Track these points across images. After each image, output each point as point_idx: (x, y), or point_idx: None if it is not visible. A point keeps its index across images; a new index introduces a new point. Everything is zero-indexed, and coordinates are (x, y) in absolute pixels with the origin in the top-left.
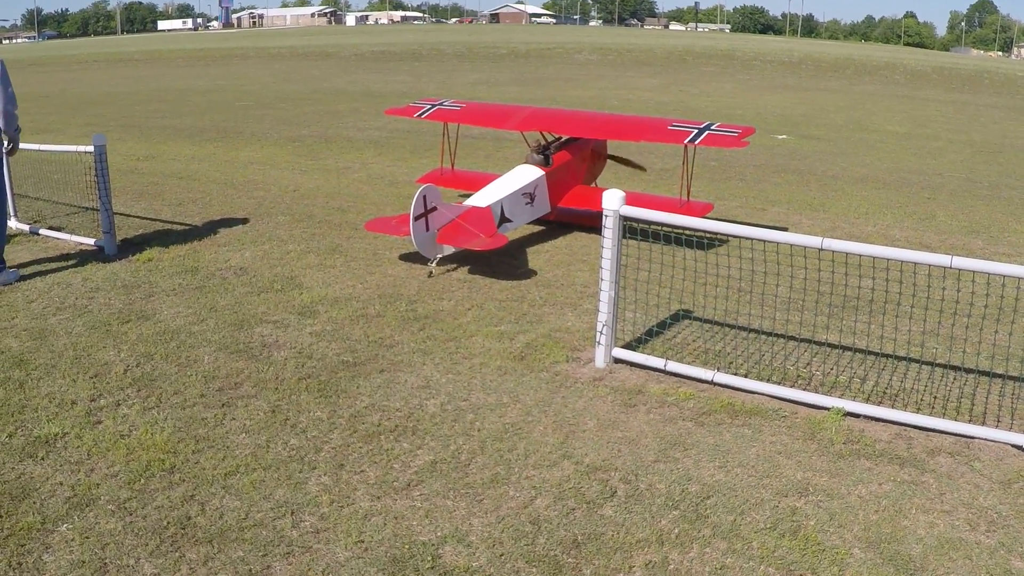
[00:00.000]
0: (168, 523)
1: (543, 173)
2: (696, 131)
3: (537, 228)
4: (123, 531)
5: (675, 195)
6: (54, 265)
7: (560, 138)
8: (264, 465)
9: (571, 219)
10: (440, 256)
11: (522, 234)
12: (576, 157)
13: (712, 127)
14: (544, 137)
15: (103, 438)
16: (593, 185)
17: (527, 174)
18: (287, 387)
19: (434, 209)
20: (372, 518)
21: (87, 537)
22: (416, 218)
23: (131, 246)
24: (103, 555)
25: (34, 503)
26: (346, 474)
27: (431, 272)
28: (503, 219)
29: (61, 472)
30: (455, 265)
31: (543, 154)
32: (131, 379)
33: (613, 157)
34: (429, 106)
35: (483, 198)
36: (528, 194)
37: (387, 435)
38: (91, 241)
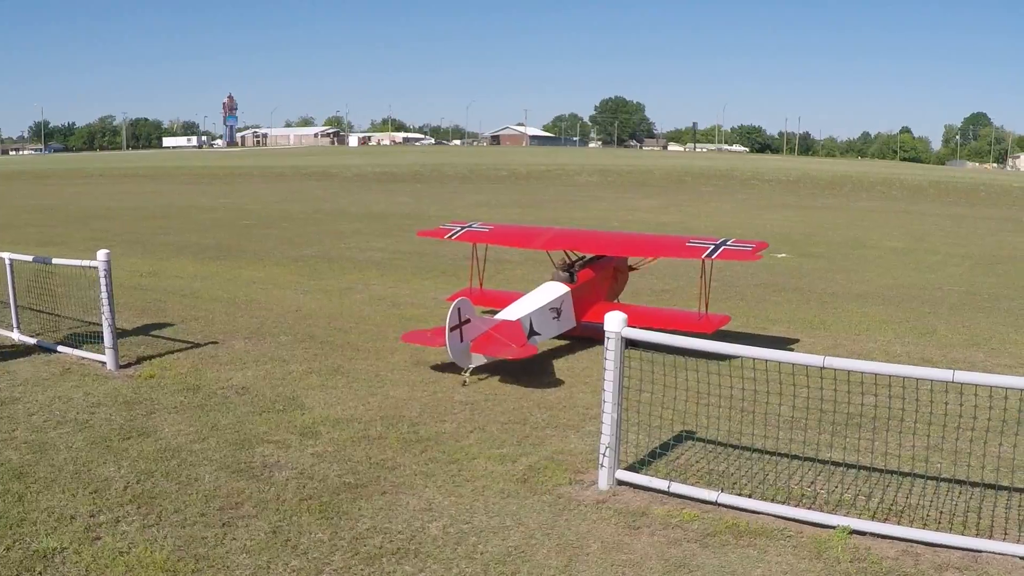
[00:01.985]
0: None
1: (568, 289)
2: (713, 247)
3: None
4: None
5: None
6: (55, 379)
7: (583, 257)
8: None
9: (594, 334)
10: (473, 366)
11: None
12: (599, 274)
13: (727, 243)
14: (568, 256)
15: (102, 554)
16: (615, 301)
17: (554, 290)
18: (288, 508)
19: (468, 321)
20: None
21: None
22: (451, 329)
23: (133, 363)
24: None
25: None
26: None
27: (465, 381)
28: (532, 332)
29: None
30: (488, 374)
31: (568, 271)
32: (131, 495)
33: None
34: (459, 228)
35: (513, 312)
36: (555, 309)
37: (389, 558)
38: (93, 356)
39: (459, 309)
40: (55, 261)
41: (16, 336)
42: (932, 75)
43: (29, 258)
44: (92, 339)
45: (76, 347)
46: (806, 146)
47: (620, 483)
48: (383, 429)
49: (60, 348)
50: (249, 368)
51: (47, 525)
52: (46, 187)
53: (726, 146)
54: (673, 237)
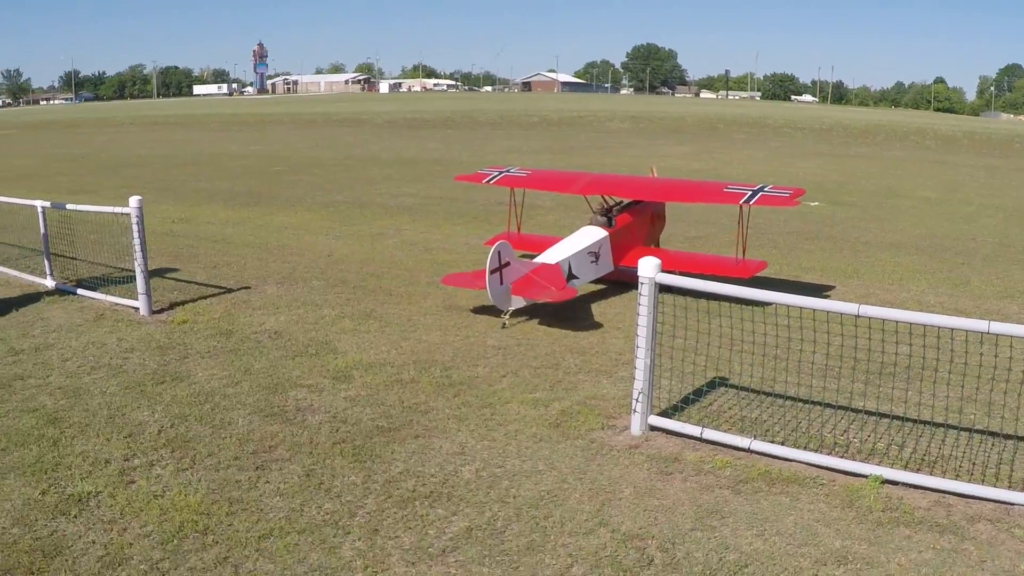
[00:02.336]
0: None
1: (607, 234)
2: (750, 192)
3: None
4: None
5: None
6: (89, 325)
7: (622, 201)
8: (298, 529)
9: (631, 279)
10: (513, 308)
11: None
12: (637, 219)
13: (765, 188)
14: (606, 200)
15: (136, 498)
16: (653, 246)
17: (592, 234)
18: (321, 451)
19: (508, 264)
20: None
21: None
22: (492, 272)
23: (166, 308)
24: None
25: (66, 560)
26: (381, 540)
27: (504, 323)
28: (570, 275)
29: (94, 531)
30: (527, 317)
31: (607, 216)
32: (165, 440)
33: None
34: (497, 173)
35: (552, 255)
36: (593, 253)
37: (422, 501)
38: (126, 302)
39: (499, 252)
40: (86, 208)
41: (50, 283)
42: (967, 25)
43: (53, 205)
44: (125, 285)
45: (109, 294)
46: (839, 95)
47: (652, 428)
48: (416, 373)
49: (94, 294)
50: (282, 313)
51: (82, 469)
52: (77, 136)
53: (757, 94)
54: (711, 183)
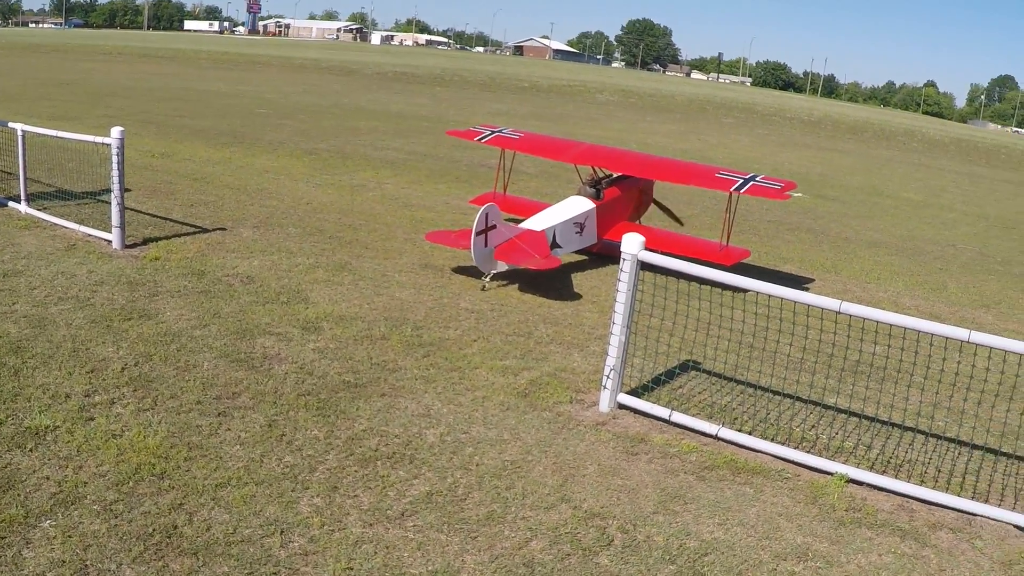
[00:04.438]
0: (154, 530)
1: (594, 206)
2: (742, 181)
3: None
4: (107, 534)
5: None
6: (60, 254)
7: (611, 175)
8: (256, 480)
9: (613, 252)
10: (494, 272)
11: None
12: (625, 194)
13: (757, 178)
14: (596, 172)
15: (94, 435)
16: (637, 223)
17: (580, 205)
18: (285, 402)
19: (494, 227)
20: (363, 545)
21: (70, 536)
22: (477, 234)
23: (139, 243)
24: (84, 557)
25: (18, 495)
26: (339, 497)
27: (484, 286)
28: (554, 244)
29: (49, 466)
30: (506, 282)
31: (595, 188)
32: (128, 378)
33: (657, 203)
34: (489, 132)
35: (538, 222)
36: (579, 224)
37: (384, 461)
38: (99, 233)
39: (487, 214)
40: (67, 135)
41: (23, 209)
42: (963, 32)
43: (39, 131)
44: (99, 216)
45: (83, 223)
46: (830, 88)
47: (621, 407)
48: (386, 330)
49: (67, 223)
50: (255, 257)
51: (41, 402)
52: (64, 62)
53: (748, 80)
54: (703, 166)
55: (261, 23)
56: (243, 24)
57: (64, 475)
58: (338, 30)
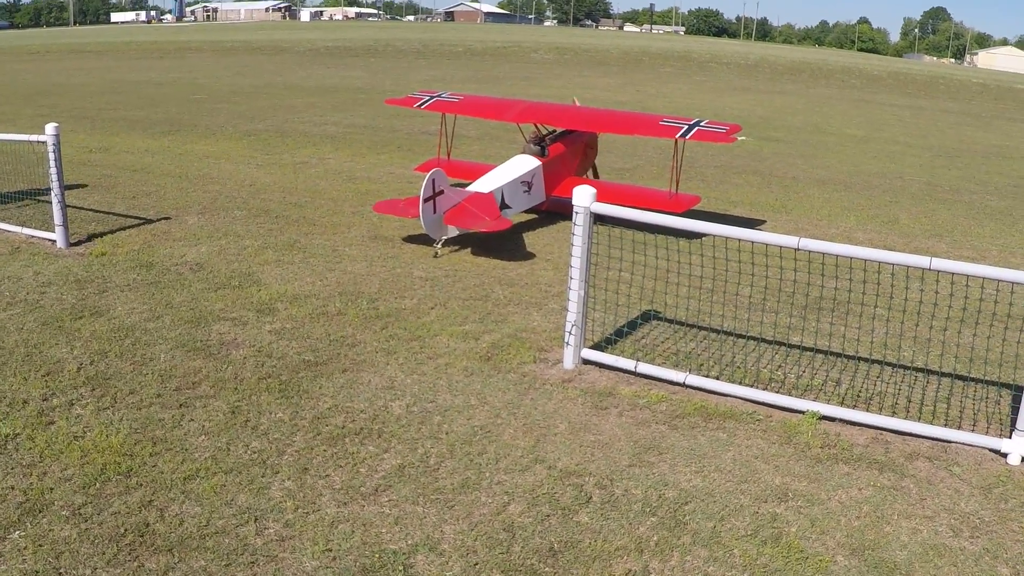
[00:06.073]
0: (125, 530)
1: (540, 163)
2: (687, 127)
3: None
4: (78, 539)
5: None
6: (4, 259)
7: (555, 130)
8: (225, 469)
9: (563, 209)
10: (445, 237)
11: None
12: (570, 149)
13: (701, 123)
14: (539, 129)
15: (56, 439)
16: (585, 176)
17: (525, 164)
18: (247, 387)
19: (441, 192)
20: (339, 525)
21: (40, 545)
22: (425, 200)
23: (84, 240)
24: (57, 564)
25: None
26: (311, 479)
27: (436, 253)
28: (503, 205)
29: (12, 475)
30: (458, 247)
31: (540, 145)
32: (85, 377)
33: None
34: (428, 97)
35: (485, 184)
36: (526, 183)
37: (352, 438)
38: (43, 234)
39: (433, 180)
40: (3, 137)
41: None
42: None
43: None
44: (41, 217)
45: (24, 225)
46: (764, 32)
47: (586, 362)
48: (342, 305)
49: (8, 227)
50: (203, 244)
51: None
52: None
53: (682, 29)
54: (646, 115)
55: (188, 9)
56: (170, 12)
57: (29, 483)
58: (267, 9)
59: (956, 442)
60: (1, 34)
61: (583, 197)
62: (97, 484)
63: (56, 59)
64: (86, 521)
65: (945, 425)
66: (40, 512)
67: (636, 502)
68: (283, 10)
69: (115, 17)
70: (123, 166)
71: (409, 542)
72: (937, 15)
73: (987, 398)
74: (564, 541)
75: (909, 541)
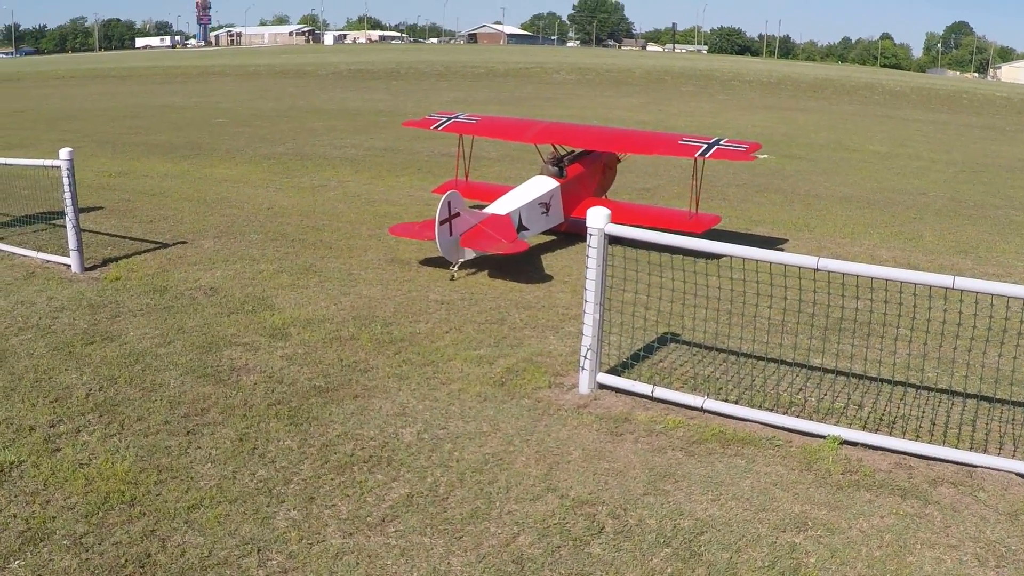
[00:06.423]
0: (126, 561)
1: (558, 184)
2: (706, 146)
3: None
4: (78, 569)
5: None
6: (19, 284)
7: (573, 151)
8: (230, 498)
9: (582, 230)
10: (462, 260)
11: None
12: (588, 170)
13: (721, 142)
14: (557, 150)
15: (61, 467)
16: (604, 197)
17: (543, 185)
18: (256, 414)
19: (457, 215)
20: (344, 557)
21: (39, 575)
22: (441, 223)
23: (99, 264)
24: None
25: None
26: (316, 508)
27: (452, 276)
28: (520, 227)
29: (15, 503)
30: (475, 270)
31: (558, 166)
32: (93, 404)
33: None
34: (445, 119)
35: (502, 206)
36: (544, 204)
37: (360, 466)
38: (57, 259)
39: (449, 202)
40: (15, 162)
41: None
42: None
43: None
44: (57, 242)
45: (40, 250)
46: (786, 50)
47: (601, 387)
48: (355, 330)
49: (24, 251)
50: (218, 268)
51: (5, 437)
52: (16, 90)
53: (704, 48)
54: (665, 134)
55: (212, 34)
56: (195, 37)
57: (32, 511)
58: (290, 33)
59: (982, 466)
60: (27, 60)
61: (597, 218)
62: (100, 513)
63: (80, 84)
64: (87, 551)
65: (970, 449)
66: (41, 541)
67: (650, 532)
68: (307, 34)
69: (140, 42)
70: (142, 190)
71: (415, 574)
72: (960, 29)
73: (1014, 420)
74: (575, 573)
75: (933, 572)
